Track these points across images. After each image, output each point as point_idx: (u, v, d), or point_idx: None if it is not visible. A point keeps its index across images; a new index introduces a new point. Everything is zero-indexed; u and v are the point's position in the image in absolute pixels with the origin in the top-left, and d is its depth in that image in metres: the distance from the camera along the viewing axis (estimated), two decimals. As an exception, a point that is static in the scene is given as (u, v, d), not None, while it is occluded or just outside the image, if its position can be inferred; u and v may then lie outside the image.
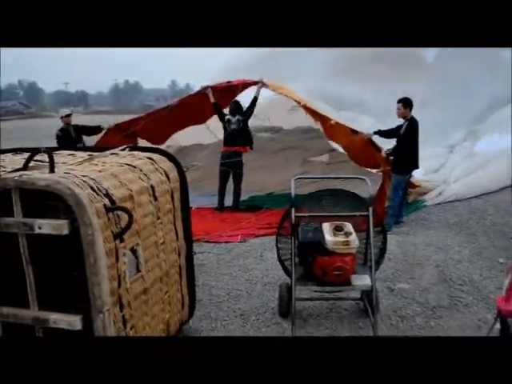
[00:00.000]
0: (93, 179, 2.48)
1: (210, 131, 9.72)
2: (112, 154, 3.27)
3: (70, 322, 2.38)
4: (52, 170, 2.49)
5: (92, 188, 2.40)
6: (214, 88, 7.87)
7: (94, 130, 8.01)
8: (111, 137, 7.87)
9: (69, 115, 7.70)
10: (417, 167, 6.45)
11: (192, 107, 8.20)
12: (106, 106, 65.89)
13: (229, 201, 7.84)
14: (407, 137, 6.23)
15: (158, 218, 3.05)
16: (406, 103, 6.23)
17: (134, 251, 2.74)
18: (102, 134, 7.99)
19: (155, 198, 3.00)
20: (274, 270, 4.88)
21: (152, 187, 2.98)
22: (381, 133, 6.64)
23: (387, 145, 6.65)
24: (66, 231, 2.26)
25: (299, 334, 3.65)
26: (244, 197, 8.12)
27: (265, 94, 7.99)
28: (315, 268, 3.52)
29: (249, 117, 7.68)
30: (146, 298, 2.90)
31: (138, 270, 2.80)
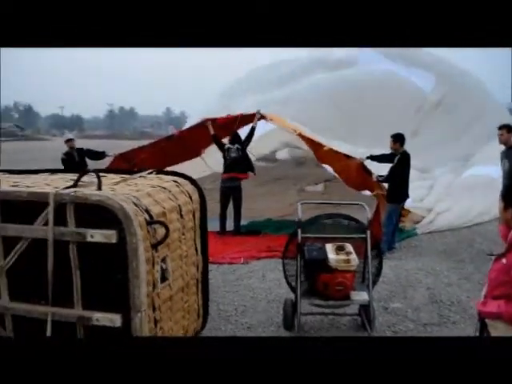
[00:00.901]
0: (134, 197, 2.88)
1: (207, 165, 10.11)
2: (140, 176, 3.67)
3: (111, 319, 2.73)
4: (99, 188, 2.88)
5: (135, 204, 2.80)
6: (213, 121, 8.30)
7: (99, 155, 8.39)
8: (118, 164, 8.23)
9: (71, 139, 8.10)
10: (407, 196, 6.90)
11: (192, 139, 8.60)
12: (100, 131, 66.52)
13: (229, 226, 8.21)
14: (399, 169, 6.69)
15: (183, 234, 3.44)
16: (396, 139, 6.73)
17: (163, 261, 3.11)
18: (110, 160, 8.36)
19: (181, 216, 3.39)
20: (277, 289, 5.24)
21: (179, 206, 3.37)
22: (373, 158, 7.09)
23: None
24: (114, 240, 2.64)
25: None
26: (244, 222, 8.49)
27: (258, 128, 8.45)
28: (318, 283, 3.91)
29: (247, 145, 8.14)
30: (171, 304, 3.26)
31: (166, 279, 3.17)
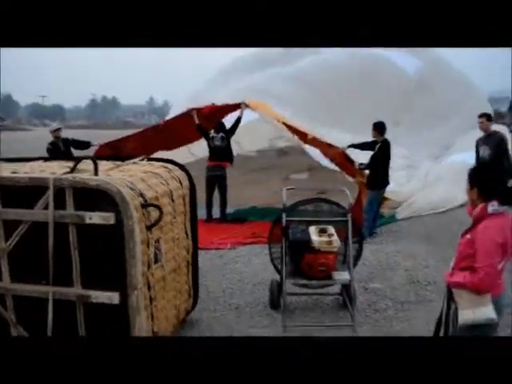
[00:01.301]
0: (129, 181, 3.05)
1: (190, 152, 10.22)
2: (133, 163, 3.84)
3: (109, 297, 2.92)
4: (96, 174, 3.05)
5: (130, 188, 2.98)
6: (198, 110, 8.37)
7: (84, 144, 8.47)
8: (104, 153, 8.32)
9: (58, 129, 8.18)
10: (388, 183, 7.16)
11: (178, 128, 8.70)
12: (82, 121, 65.85)
13: (215, 213, 8.40)
14: (379, 157, 6.94)
15: (174, 218, 3.62)
16: (377, 128, 6.98)
17: (157, 243, 3.30)
18: (95, 149, 8.44)
19: (172, 201, 3.58)
20: (263, 273, 5.46)
21: (170, 191, 3.56)
22: (355, 146, 7.34)
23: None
24: (112, 221, 2.82)
25: (288, 323, 4.22)
26: (229, 210, 8.69)
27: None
28: (303, 264, 4.14)
29: (232, 135, 8.31)
30: (164, 284, 3.45)
31: (159, 260, 3.36)
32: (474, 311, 2.44)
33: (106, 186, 2.83)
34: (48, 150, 7.91)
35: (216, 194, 8.32)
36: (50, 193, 2.90)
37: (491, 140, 7.11)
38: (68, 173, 3.09)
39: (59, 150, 7.92)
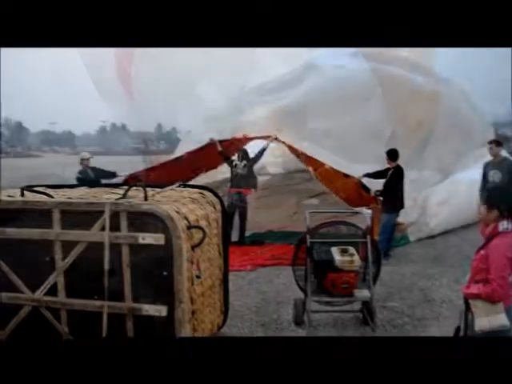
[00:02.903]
0: (175, 206, 3.41)
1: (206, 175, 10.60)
2: (171, 189, 4.20)
3: (158, 310, 3.24)
4: (146, 199, 3.41)
5: (177, 212, 3.33)
6: (221, 142, 8.81)
7: (109, 174, 8.87)
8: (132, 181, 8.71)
9: (88, 159, 8.62)
10: (402, 207, 7.48)
11: (199, 159, 9.17)
12: (93, 147, 66.93)
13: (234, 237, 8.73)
14: (393, 183, 7.29)
15: (210, 239, 3.94)
16: (390, 155, 7.35)
17: (198, 261, 3.61)
18: (121, 180, 8.78)
19: (209, 224, 3.91)
20: (284, 292, 5.76)
21: (207, 215, 3.90)
22: (369, 175, 7.71)
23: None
24: (162, 242, 3.17)
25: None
26: (246, 233, 9.03)
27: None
28: (326, 282, 4.45)
29: (254, 164, 8.71)
30: (203, 299, 3.77)
31: (199, 277, 3.66)
32: (489, 319, 2.76)
33: (157, 209, 3.19)
34: (78, 179, 8.34)
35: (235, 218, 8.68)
36: (107, 216, 3.26)
37: (503, 164, 7.45)
38: (121, 198, 3.45)
39: (89, 178, 8.35)
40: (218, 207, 4.25)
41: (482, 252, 2.92)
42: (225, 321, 4.53)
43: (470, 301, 2.94)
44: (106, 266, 3.30)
